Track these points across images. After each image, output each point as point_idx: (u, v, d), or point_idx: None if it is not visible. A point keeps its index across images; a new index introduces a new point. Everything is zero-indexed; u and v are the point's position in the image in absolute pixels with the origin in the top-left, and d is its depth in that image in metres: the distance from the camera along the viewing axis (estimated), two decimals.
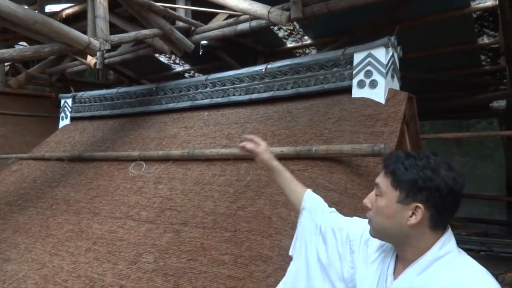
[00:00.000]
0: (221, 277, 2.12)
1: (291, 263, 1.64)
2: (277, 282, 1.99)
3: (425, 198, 1.09)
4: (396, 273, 1.19)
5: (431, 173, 1.09)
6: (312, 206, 1.61)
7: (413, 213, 1.10)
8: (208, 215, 2.68)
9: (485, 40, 6.50)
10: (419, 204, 1.09)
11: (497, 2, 5.20)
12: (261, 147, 1.73)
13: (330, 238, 1.47)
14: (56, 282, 2.52)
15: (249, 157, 3.03)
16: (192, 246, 2.44)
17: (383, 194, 1.16)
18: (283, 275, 2.03)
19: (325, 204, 1.63)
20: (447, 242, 1.12)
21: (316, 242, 1.53)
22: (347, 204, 2.48)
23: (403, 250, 1.17)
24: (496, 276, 5.05)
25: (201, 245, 2.42)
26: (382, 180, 1.18)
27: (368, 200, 1.23)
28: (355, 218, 1.51)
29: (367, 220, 1.25)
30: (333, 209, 1.62)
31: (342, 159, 2.78)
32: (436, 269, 1.09)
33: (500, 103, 8.36)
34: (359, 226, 1.38)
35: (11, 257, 2.96)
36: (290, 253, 1.66)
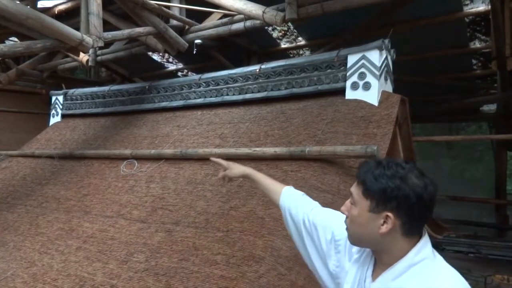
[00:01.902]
0: (213, 277, 2.11)
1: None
2: (269, 282, 1.99)
3: (394, 206, 1.11)
4: (374, 275, 1.22)
5: (400, 182, 1.10)
6: (291, 201, 1.61)
7: (384, 222, 1.12)
8: (200, 214, 2.67)
9: (477, 44, 6.58)
10: (389, 213, 1.11)
11: (489, 7, 5.26)
12: (229, 165, 1.85)
13: (314, 235, 1.47)
14: (45, 281, 2.49)
15: (242, 158, 3.04)
16: (184, 246, 2.43)
17: (356, 203, 1.19)
18: (276, 275, 2.04)
19: (307, 199, 1.62)
20: (423, 249, 1.14)
21: (300, 233, 1.53)
22: (340, 205, 2.47)
23: (379, 255, 1.21)
24: (484, 278, 5.10)
25: (193, 245, 2.41)
26: (354, 190, 1.20)
27: (344, 208, 1.25)
28: (342, 215, 1.51)
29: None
30: (316, 203, 1.60)
31: (335, 160, 2.79)
32: (411, 275, 1.12)
33: (490, 107, 8.46)
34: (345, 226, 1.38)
35: None
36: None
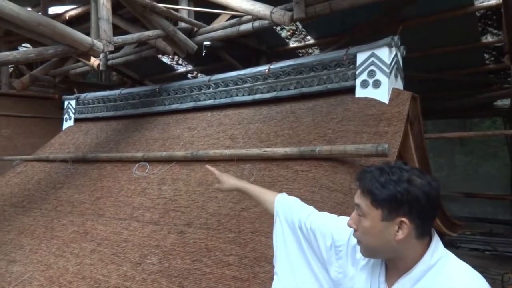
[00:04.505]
0: (225, 278, 2.12)
1: (275, 277, 1.58)
2: None
3: (407, 211, 1.09)
4: (389, 281, 1.20)
5: (408, 185, 1.09)
6: (285, 207, 1.60)
7: (399, 228, 1.10)
8: (212, 216, 2.69)
9: (489, 38, 6.48)
10: (403, 218, 1.09)
11: (501, 0, 5.18)
12: (221, 178, 1.86)
13: (313, 241, 1.44)
14: (61, 284, 2.53)
15: (252, 158, 3.04)
16: (196, 247, 2.44)
17: (366, 214, 1.15)
18: None
19: (301, 205, 1.59)
20: (436, 249, 1.13)
21: (297, 239, 1.50)
22: (351, 204, 2.47)
23: (393, 261, 1.18)
24: (501, 276, 5.03)
25: (206, 246, 2.42)
26: (361, 201, 1.17)
27: (352, 222, 1.21)
28: (340, 218, 1.45)
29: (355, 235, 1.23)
30: (311, 208, 1.56)
31: (346, 159, 2.77)
32: (430, 277, 1.10)
33: (504, 102, 8.33)
34: (345, 229, 1.32)
35: (16, 259, 2.97)
36: (274, 264, 1.62)
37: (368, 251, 1.20)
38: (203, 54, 5.36)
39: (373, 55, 3.20)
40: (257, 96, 3.81)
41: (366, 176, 1.16)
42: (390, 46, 3.15)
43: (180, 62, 9.01)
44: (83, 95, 5.42)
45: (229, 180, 1.83)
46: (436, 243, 1.14)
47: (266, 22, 4.41)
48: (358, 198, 1.18)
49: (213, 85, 4.16)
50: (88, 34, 3.72)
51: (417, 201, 1.08)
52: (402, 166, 1.15)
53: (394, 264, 1.18)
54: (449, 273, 1.09)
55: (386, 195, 1.10)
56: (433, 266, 1.11)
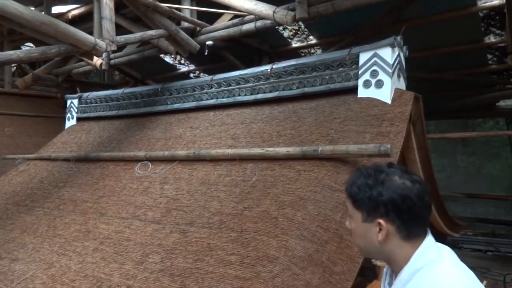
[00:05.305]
0: (227, 278, 2.13)
1: None
2: (283, 282, 2.00)
3: (383, 212, 1.12)
4: (391, 284, 1.22)
5: (381, 188, 1.12)
6: None
7: (379, 229, 1.13)
8: (214, 215, 2.69)
9: (492, 39, 6.45)
10: (380, 220, 1.12)
11: (504, 1, 5.16)
12: None
13: None
14: (63, 282, 2.54)
15: (254, 158, 3.04)
16: (198, 247, 2.45)
17: (351, 216, 1.21)
18: (290, 275, 2.04)
19: None
20: (425, 252, 1.11)
21: None
22: None
23: (390, 265, 1.21)
24: (503, 277, 5.01)
25: (208, 246, 2.42)
26: (348, 203, 1.22)
27: (347, 223, 1.27)
28: None
29: None
30: None
31: (348, 159, 2.77)
32: (416, 281, 1.09)
33: (507, 102, 8.30)
34: None
35: (19, 257, 2.98)
36: None
37: (361, 251, 1.26)
38: (206, 53, 5.36)
39: (375, 55, 3.20)
40: (260, 96, 3.82)
41: (349, 180, 1.22)
42: (393, 46, 3.15)
43: (182, 61, 9.01)
44: (85, 94, 5.44)
45: None
46: (426, 246, 1.12)
47: (268, 22, 4.40)
48: (347, 202, 1.24)
49: (215, 84, 4.16)
50: (91, 33, 3.72)
51: (392, 202, 1.10)
52: (381, 168, 1.17)
53: (391, 266, 1.21)
54: (434, 279, 1.06)
55: (362, 198, 1.15)
56: (419, 270, 1.09)
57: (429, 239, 1.14)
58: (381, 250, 1.16)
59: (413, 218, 1.12)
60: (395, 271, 1.19)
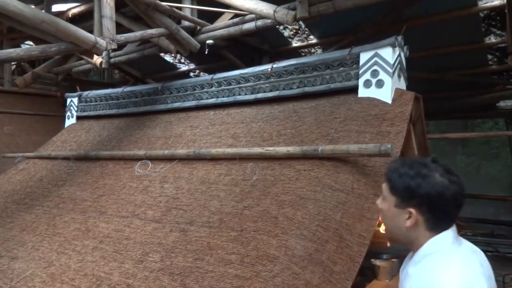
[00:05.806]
0: (227, 277, 2.12)
1: None
2: (283, 282, 2.00)
3: (417, 203, 1.19)
4: None
5: (421, 181, 1.19)
6: None
7: (409, 217, 1.21)
8: (214, 214, 2.69)
9: (492, 39, 6.45)
10: (411, 209, 1.20)
11: (505, 1, 5.16)
12: None
13: None
14: (63, 281, 2.53)
15: (255, 157, 3.04)
16: (198, 246, 2.44)
17: (385, 198, 1.30)
18: (290, 274, 2.04)
19: None
20: (440, 240, 1.19)
21: None
22: (354, 204, 2.48)
23: (411, 248, 1.28)
24: (503, 277, 5.02)
25: (208, 245, 2.42)
26: (384, 186, 1.31)
27: (379, 202, 1.36)
28: None
29: None
30: None
31: (349, 159, 2.77)
32: (423, 264, 1.17)
33: (507, 103, 8.31)
34: None
35: (18, 256, 2.98)
36: None
37: (387, 231, 1.36)
38: (206, 52, 5.35)
39: (376, 55, 3.19)
40: (260, 95, 3.81)
41: (391, 166, 1.31)
42: (393, 46, 3.15)
43: (182, 60, 9.00)
44: (85, 93, 5.43)
45: None
46: (442, 237, 1.20)
47: (269, 21, 4.40)
48: (383, 184, 1.32)
49: (215, 83, 4.16)
50: (91, 32, 3.72)
51: (427, 197, 1.17)
52: (426, 162, 1.24)
53: (412, 249, 1.28)
54: (436, 266, 1.13)
55: (400, 186, 1.22)
56: (430, 254, 1.18)
57: (448, 232, 1.21)
58: (406, 234, 1.24)
59: (443, 214, 1.20)
60: (413, 254, 1.26)
